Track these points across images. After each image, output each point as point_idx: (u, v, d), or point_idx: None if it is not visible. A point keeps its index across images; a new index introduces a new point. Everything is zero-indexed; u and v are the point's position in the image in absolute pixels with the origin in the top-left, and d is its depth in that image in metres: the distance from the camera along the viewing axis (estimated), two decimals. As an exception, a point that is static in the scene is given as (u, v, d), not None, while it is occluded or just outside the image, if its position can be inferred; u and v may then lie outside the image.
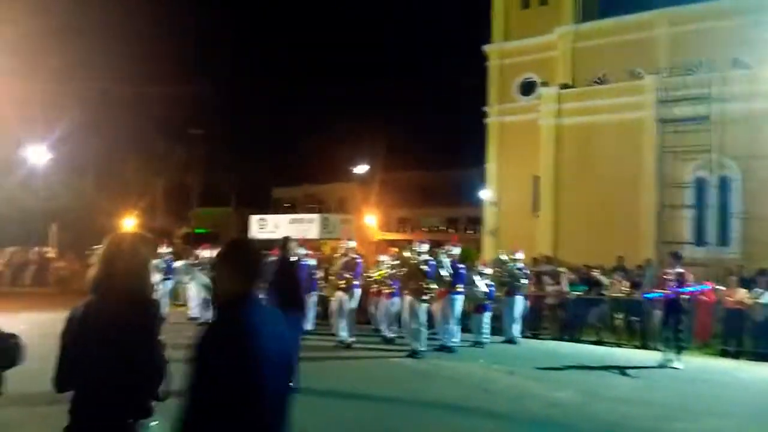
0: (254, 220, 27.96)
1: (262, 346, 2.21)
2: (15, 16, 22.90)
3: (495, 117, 25.44)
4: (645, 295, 11.61)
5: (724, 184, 18.63)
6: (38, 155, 26.29)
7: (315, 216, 28.17)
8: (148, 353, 2.52)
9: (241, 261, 2.37)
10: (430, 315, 11.06)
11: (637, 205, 19.27)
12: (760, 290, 11.06)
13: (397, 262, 11.17)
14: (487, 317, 11.66)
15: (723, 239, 18.21)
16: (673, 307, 9.81)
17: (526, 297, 12.67)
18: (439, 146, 42.29)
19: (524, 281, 12.32)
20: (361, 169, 36.81)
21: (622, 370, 9.47)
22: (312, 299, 12.68)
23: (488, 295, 11.73)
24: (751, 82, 17.76)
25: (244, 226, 28.89)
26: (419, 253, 10.27)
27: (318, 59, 62.67)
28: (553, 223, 21.28)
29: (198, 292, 13.87)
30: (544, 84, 23.21)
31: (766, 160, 17.39)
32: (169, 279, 14.35)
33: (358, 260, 11.63)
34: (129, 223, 28.38)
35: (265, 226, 26.59)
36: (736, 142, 17.75)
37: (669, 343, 9.87)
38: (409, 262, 10.29)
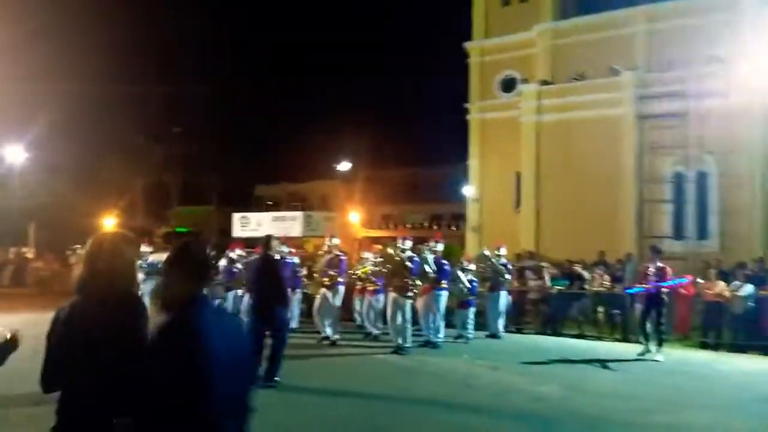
0: (236, 218, 27.79)
1: (210, 348, 2.22)
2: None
3: (476, 114, 25.54)
4: (627, 290, 11.77)
5: (701, 179, 18.91)
6: (15, 154, 25.89)
7: (298, 214, 28.07)
8: (135, 353, 2.47)
9: (190, 264, 2.39)
10: (414, 311, 11.10)
11: (617, 200, 19.49)
12: (739, 283, 11.26)
13: (381, 259, 11.18)
14: (471, 313, 11.72)
15: (702, 233, 18.49)
16: (653, 300, 9.95)
17: (509, 292, 12.76)
18: (421, 143, 42.40)
19: (507, 276, 12.40)
20: (344, 166, 36.74)
21: (603, 363, 9.58)
22: (296, 297, 12.65)
23: (471, 291, 11.78)
24: (727, 78, 18.03)
25: (227, 225, 28.71)
26: (403, 250, 10.29)
27: (299, 57, 62.45)
28: (535, 218, 21.44)
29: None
30: (525, 81, 23.35)
31: (743, 154, 17.70)
32: (150, 278, 14.20)
33: (342, 257, 11.62)
34: (108, 222, 28.05)
35: (247, 225, 26.45)
36: (713, 138, 18.01)
37: (650, 336, 10.01)
38: (393, 259, 10.30)
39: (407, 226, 36.28)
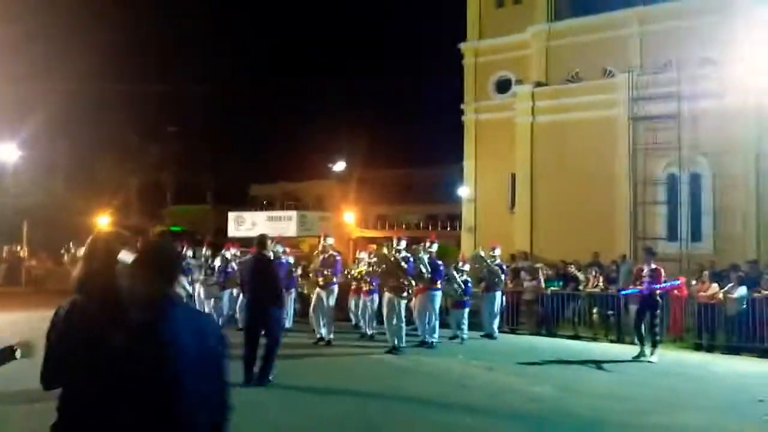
0: (232, 217, 27.78)
1: (179, 347, 2.22)
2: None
3: (471, 115, 25.57)
4: (620, 291, 11.81)
5: (695, 181, 18.99)
6: (8, 153, 25.75)
7: (293, 213, 28.09)
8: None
9: (158, 263, 2.38)
10: (409, 311, 11.10)
11: (611, 201, 19.56)
12: (732, 285, 11.30)
13: (376, 259, 11.18)
14: (465, 313, 11.73)
15: (695, 235, 18.56)
16: (647, 302, 9.97)
17: (504, 293, 12.78)
18: (417, 144, 42.38)
19: (502, 277, 12.42)
20: (339, 166, 36.72)
21: (598, 364, 9.61)
22: (291, 297, 12.63)
23: (466, 291, 11.80)
24: (720, 80, 18.12)
25: (222, 224, 28.67)
26: (398, 250, 10.30)
27: (295, 58, 62.40)
28: (529, 219, 21.48)
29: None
30: (519, 82, 23.40)
31: (736, 156, 17.78)
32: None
33: (337, 257, 11.61)
34: (102, 221, 27.94)
35: (242, 224, 26.43)
36: (706, 139, 18.10)
37: (644, 338, 10.04)
38: (388, 259, 10.30)
39: (402, 226, 36.30)
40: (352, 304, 12.47)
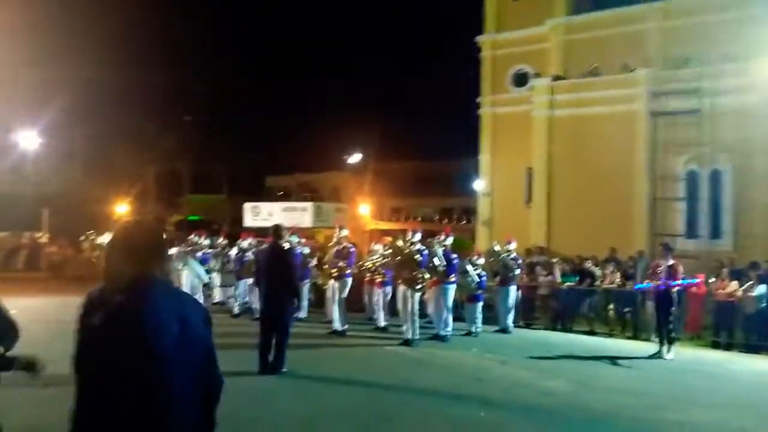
0: (248, 207, 27.90)
1: (158, 331, 2.16)
2: (7, 0, 22.61)
3: (488, 108, 25.40)
4: (636, 286, 11.71)
5: (715, 177, 18.73)
6: (29, 141, 26.09)
7: (308, 204, 28.14)
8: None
9: (134, 244, 2.30)
10: (423, 304, 11.10)
11: (629, 197, 19.36)
12: (751, 282, 11.15)
13: (390, 251, 11.18)
14: (479, 307, 11.70)
15: (715, 232, 18.33)
16: (664, 298, 9.87)
17: (519, 287, 12.73)
18: (433, 136, 42.22)
19: (517, 271, 12.37)
20: (354, 158, 36.70)
21: (613, 360, 9.55)
22: (305, 287, 12.69)
23: (480, 285, 11.77)
24: (742, 76, 17.81)
25: (238, 214, 28.82)
26: (412, 243, 10.29)
27: (313, 48, 62.37)
28: (546, 214, 21.34)
29: (189, 279, 13.85)
30: (537, 75, 23.19)
31: (757, 153, 17.50)
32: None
33: (351, 249, 11.64)
34: (121, 209, 28.24)
35: (258, 214, 26.54)
36: (727, 136, 17.82)
37: (660, 335, 9.95)
38: (403, 252, 10.30)
39: (417, 219, 36.24)
40: (366, 296, 12.50)
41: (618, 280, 12.80)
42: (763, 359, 10.30)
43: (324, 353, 9.60)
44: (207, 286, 14.02)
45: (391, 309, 11.61)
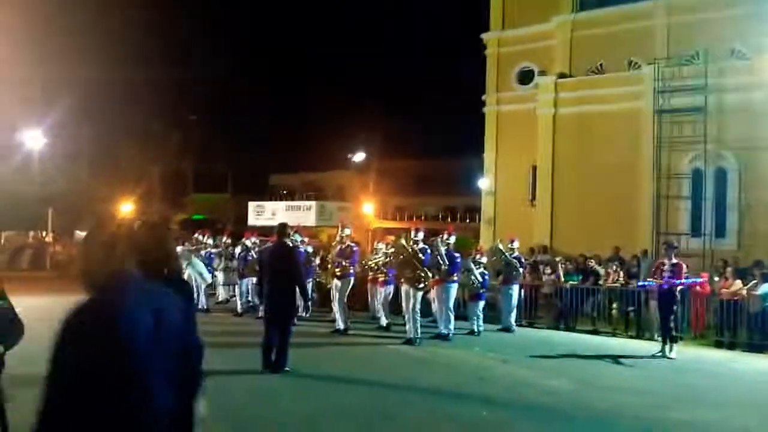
0: (252, 206, 28.00)
1: (133, 327, 2.15)
2: (11, 1, 22.71)
3: (493, 106, 25.35)
4: (638, 284, 11.68)
5: (720, 176, 18.65)
6: (34, 140, 26.20)
7: (312, 203, 28.22)
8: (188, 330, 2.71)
9: (107, 240, 2.29)
10: (426, 303, 11.11)
11: (634, 195, 19.29)
12: (756, 282, 11.12)
13: (393, 249, 11.18)
14: (480, 305, 11.70)
15: (719, 231, 18.25)
16: (667, 297, 9.85)
17: (522, 286, 12.72)
18: (437, 135, 42.12)
19: (520, 270, 12.36)
20: (358, 157, 36.72)
21: (616, 359, 9.54)
22: (308, 286, 12.71)
23: (483, 284, 11.77)
24: (748, 73, 17.71)
25: (242, 213, 28.91)
26: (415, 241, 10.30)
27: (316, 46, 62.29)
28: (550, 212, 21.29)
29: (192, 278, 13.90)
30: (542, 73, 23.13)
31: (763, 152, 17.40)
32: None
33: (355, 248, 11.66)
34: (125, 208, 28.33)
35: (262, 213, 26.64)
36: (732, 134, 17.73)
37: (663, 333, 9.93)
38: (405, 250, 10.30)
39: (421, 217, 36.24)
40: (369, 294, 12.52)
41: (621, 278, 12.77)
42: (767, 359, 10.27)
43: (326, 352, 9.63)
44: (211, 285, 14.06)
45: (394, 308, 11.63)
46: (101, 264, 2.25)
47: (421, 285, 10.17)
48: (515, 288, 12.23)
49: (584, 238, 17.85)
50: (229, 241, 14.82)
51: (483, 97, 25.68)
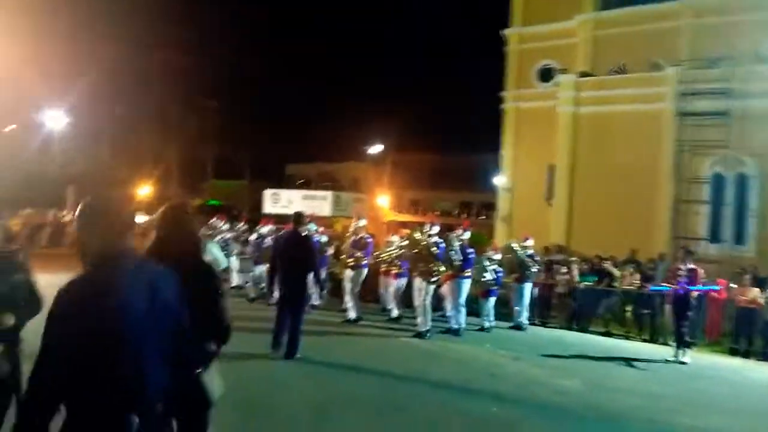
0: (268, 194, 28.09)
1: (125, 303, 2.15)
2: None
3: (512, 102, 25.22)
4: (652, 288, 11.58)
5: (741, 181, 18.40)
6: (56, 120, 26.46)
7: (328, 193, 28.27)
8: (216, 306, 2.95)
9: (103, 215, 2.31)
10: (438, 297, 11.10)
11: (652, 198, 19.10)
12: (773, 290, 10.96)
13: (407, 242, 11.17)
14: (492, 302, 11.66)
15: (738, 237, 18.03)
16: (681, 302, 9.75)
17: (535, 285, 12.66)
18: (454, 130, 41.96)
19: (534, 269, 12.29)
20: (375, 149, 36.70)
21: (628, 362, 9.47)
22: (322, 275, 12.74)
23: (497, 281, 11.73)
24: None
25: (258, 200, 29.03)
26: (429, 235, 10.28)
27: (336, 37, 62.26)
28: (566, 212, 21.16)
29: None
30: (563, 71, 22.93)
31: (785, 158, 17.16)
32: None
33: (369, 239, 11.67)
34: (143, 191, 28.58)
35: (278, 201, 26.73)
36: (755, 139, 17.48)
37: (677, 338, 9.84)
38: (419, 244, 10.29)
39: (436, 212, 36.19)
40: (381, 286, 12.53)
41: (637, 281, 12.65)
42: (783, 368, 10.14)
43: (338, 341, 9.66)
44: (225, 271, 14.14)
45: (406, 301, 11.63)
46: (96, 238, 2.27)
47: (434, 279, 10.15)
48: (528, 286, 12.17)
49: (600, 238, 17.69)
50: (245, 227, 14.89)
51: (502, 94, 25.53)
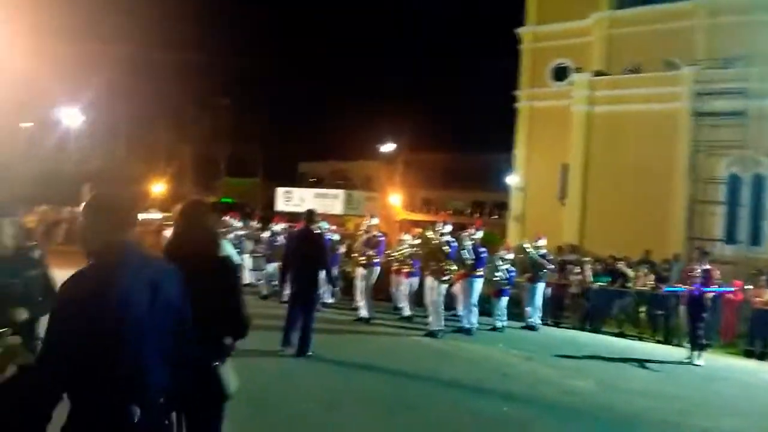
0: (280, 192, 28.21)
1: (127, 299, 2.16)
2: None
3: (526, 101, 25.09)
4: (666, 289, 11.49)
5: (758, 182, 18.20)
6: (72, 118, 26.72)
7: (340, 192, 28.34)
8: (234, 301, 3.04)
9: (105, 212, 2.32)
10: (451, 297, 11.07)
11: (667, 198, 18.94)
12: (790, 291, 10.83)
13: (419, 241, 11.16)
14: (504, 302, 11.63)
15: (754, 238, 17.84)
16: (696, 304, 9.67)
17: (548, 285, 12.60)
18: (467, 129, 41.82)
19: (547, 268, 12.23)
20: (387, 147, 36.67)
21: (642, 363, 9.40)
22: (333, 274, 12.77)
23: (509, 281, 11.69)
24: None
25: (271, 198, 29.16)
26: (442, 234, 10.26)
27: (349, 35, 62.26)
28: (580, 211, 21.04)
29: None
30: (578, 70, 22.78)
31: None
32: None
33: (381, 238, 11.67)
34: (157, 188, 28.78)
35: (290, 199, 26.84)
36: (772, 140, 17.29)
37: (692, 340, 9.75)
38: (431, 242, 10.28)
39: (448, 211, 36.11)
40: (393, 285, 12.53)
41: (651, 282, 12.55)
42: (799, 371, 10.02)
43: (349, 339, 9.68)
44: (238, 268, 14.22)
45: (418, 300, 11.62)
46: (99, 234, 2.28)
47: (446, 278, 10.14)
48: (540, 286, 12.12)
49: (614, 239, 17.58)
50: (258, 225, 14.97)
51: (516, 92, 25.41)
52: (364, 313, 11.07)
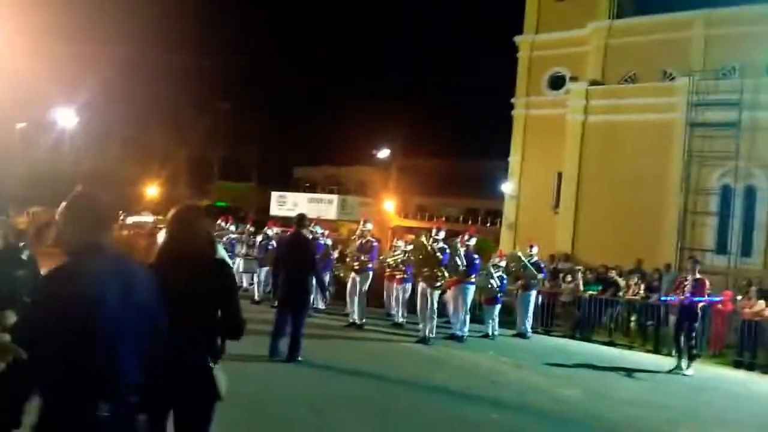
0: (274, 196, 28.21)
1: (99, 296, 2.18)
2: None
3: (522, 110, 25.20)
4: (661, 298, 11.52)
5: (749, 193, 18.32)
6: (67, 119, 26.66)
7: (334, 197, 28.35)
8: (229, 304, 3.02)
9: (83, 212, 2.35)
10: (442, 303, 11.07)
11: (660, 208, 19.04)
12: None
13: (412, 247, 11.16)
14: (496, 309, 11.64)
15: (745, 249, 17.94)
16: (687, 313, 9.70)
17: (540, 293, 12.62)
18: (462, 136, 41.97)
19: (540, 276, 12.26)
20: (382, 153, 36.74)
21: (631, 372, 9.42)
22: (326, 279, 12.77)
23: (501, 288, 11.70)
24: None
25: (265, 203, 29.15)
26: (435, 240, 10.27)
27: (345, 41, 62.42)
28: (573, 220, 21.13)
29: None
30: (574, 79, 22.91)
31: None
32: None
33: (374, 244, 11.67)
34: (151, 191, 28.71)
35: (284, 204, 26.85)
36: (764, 151, 17.42)
37: (679, 349, 9.78)
38: (425, 248, 10.28)
39: (442, 218, 36.16)
40: (386, 291, 12.53)
41: (642, 292, 12.60)
42: (788, 382, 10.06)
43: (340, 345, 9.67)
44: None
45: (410, 306, 11.62)
46: (76, 233, 2.33)
47: (438, 284, 10.14)
48: (533, 294, 12.14)
49: (606, 248, 17.67)
50: (252, 229, 14.96)
51: (512, 100, 25.52)
52: (356, 318, 11.06)
